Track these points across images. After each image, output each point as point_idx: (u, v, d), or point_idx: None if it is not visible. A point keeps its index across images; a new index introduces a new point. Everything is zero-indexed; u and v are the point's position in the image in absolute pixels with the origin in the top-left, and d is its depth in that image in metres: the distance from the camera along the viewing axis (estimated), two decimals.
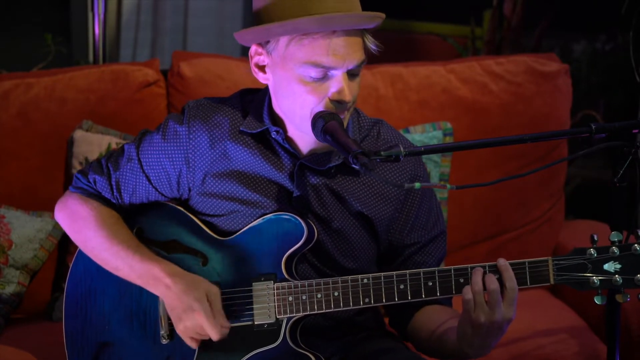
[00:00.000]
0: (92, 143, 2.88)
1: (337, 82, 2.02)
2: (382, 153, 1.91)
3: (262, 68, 2.12)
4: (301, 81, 2.03)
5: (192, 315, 2.05)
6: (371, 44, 2.08)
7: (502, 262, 2.01)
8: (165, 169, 2.21)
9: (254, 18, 2.09)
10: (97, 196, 2.25)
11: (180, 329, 2.08)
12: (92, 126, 2.91)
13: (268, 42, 2.07)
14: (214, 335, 2.05)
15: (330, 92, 2.03)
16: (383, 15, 2.05)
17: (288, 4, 2.00)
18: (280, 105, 2.13)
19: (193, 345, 2.09)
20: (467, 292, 1.98)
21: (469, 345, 2.01)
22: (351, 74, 2.04)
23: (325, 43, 2.00)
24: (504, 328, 1.99)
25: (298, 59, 2.02)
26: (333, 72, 2.02)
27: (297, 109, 2.07)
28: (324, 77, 2.03)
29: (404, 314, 2.22)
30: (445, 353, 2.12)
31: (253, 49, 2.11)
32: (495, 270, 2.00)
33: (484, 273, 2.00)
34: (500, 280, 1.98)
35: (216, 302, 2.08)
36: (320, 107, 2.03)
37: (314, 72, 2.01)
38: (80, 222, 2.21)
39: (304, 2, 1.99)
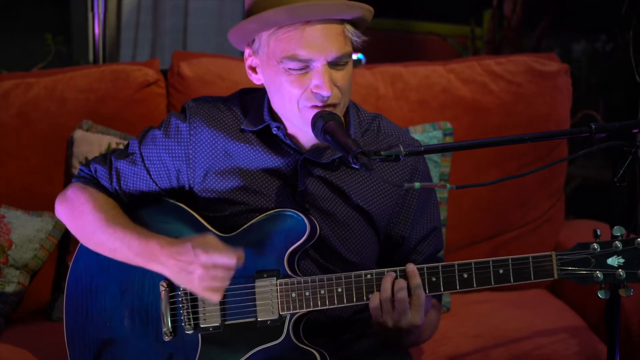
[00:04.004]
0: (92, 143, 2.88)
1: (317, 74, 2.02)
2: (382, 153, 1.91)
3: (254, 69, 2.14)
4: (284, 75, 2.04)
5: (198, 260, 2.01)
6: (353, 35, 2.06)
7: (411, 268, 2.03)
8: (165, 165, 2.21)
9: None
10: (95, 184, 2.25)
11: (196, 285, 2.02)
12: (92, 126, 2.92)
13: (253, 41, 2.08)
14: (232, 260, 2.00)
15: (312, 85, 2.03)
16: (364, 6, 2.03)
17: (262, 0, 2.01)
18: (274, 102, 2.14)
19: (216, 297, 2.04)
20: (375, 299, 2.03)
21: (386, 339, 2.09)
22: (335, 65, 2.04)
23: (298, 34, 2.00)
24: (413, 331, 2.03)
25: (278, 54, 2.03)
26: (313, 64, 2.02)
27: (285, 103, 2.08)
28: (306, 69, 2.02)
29: None
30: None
31: (246, 52, 2.14)
32: (405, 275, 2.03)
33: (395, 278, 2.03)
34: (409, 286, 2.01)
35: (214, 242, 2.05)
36: (305, 100, 2.04)
37: (293, 65, 2.02)
38: (78, 208, 2.21)
39: None
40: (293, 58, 2.01)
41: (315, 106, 2.04)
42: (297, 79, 2.03)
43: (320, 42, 2.00)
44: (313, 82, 2.02)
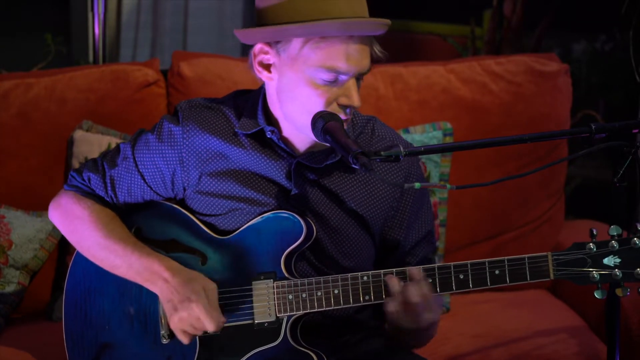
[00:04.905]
0: (92, 143, 2.88)
1: (348, 88, 2.03)
2: (382, 153, 1.90)
3: (266, 67, 2.10)
4: (311, 84, 2.02)
5: (189, 306, 2.04)
6: (378, 51, 2.09)
7: (415, 272, 2.04)
8: (159, 169, 2.20)
9: (259, 16, 2.06)
10: (91, 195, 2.24)
11: (174, 321, 2.06)
12: (92, 126, 2.92)
13: (278, 41, 2.05)
14: (211, 327, 2.05)
15: (340, 97, 2.03)
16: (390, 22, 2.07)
17: (301, 4, 1.99)
18: (283, 105, 2.11)
19: (185, 339, 2.08)
20: (390, 304, 2.03)
21: (404, 344, 2.13)
22: (357, 79, 2.06)
23: (342, 48, 2.00)
24: (431, 329, 2.07)
25: (312, 62, 2.01)
26: (343, 77, 2.02)
27: (303, 111, 2.05)
28: (335, 82, 2.03)
29: None
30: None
31: (258, 47, 2.08)
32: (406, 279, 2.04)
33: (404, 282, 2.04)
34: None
35: (213, 298, 2.08)
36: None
37: (327, 76, 2.01)
38: (75, 221, 2.21)
39: (319, 3, 1.98)
40: (331, 69, 2.00)
41: None
42: (325, 91, 2.02)
43: (358, 57, 2.02)
44: (343, 94, 2.03)
